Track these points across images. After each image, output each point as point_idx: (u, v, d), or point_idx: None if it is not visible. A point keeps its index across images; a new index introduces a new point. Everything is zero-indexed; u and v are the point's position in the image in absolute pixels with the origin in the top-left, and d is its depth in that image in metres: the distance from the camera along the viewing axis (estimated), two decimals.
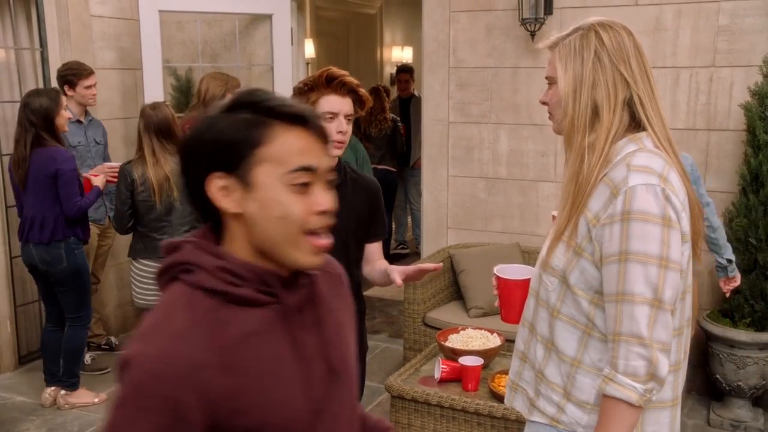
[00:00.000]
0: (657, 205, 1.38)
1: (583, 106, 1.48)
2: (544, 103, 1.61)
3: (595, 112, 1.48)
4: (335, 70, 2.11)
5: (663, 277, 1.38)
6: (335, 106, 2.09)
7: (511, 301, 1.77)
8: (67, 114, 3.65)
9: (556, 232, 1.53)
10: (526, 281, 1.70)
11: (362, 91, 2.16)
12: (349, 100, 2.12)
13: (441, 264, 2.08)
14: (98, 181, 3.74)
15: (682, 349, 1.54)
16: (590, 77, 1.48)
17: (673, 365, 1.50)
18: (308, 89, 2.11)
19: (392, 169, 6.05)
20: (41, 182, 3.53)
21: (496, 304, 1.81)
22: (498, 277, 1.79)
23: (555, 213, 3.53)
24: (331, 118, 2.09)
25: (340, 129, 2.10)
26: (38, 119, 3.49)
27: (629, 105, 1.48)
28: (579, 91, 1.48)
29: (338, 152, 2.14)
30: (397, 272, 2.08)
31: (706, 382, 3.82)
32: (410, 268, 2.06)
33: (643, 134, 1.49)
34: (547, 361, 1.55)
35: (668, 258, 1.38)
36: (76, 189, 3.58)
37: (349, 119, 2.12)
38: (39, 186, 3.54)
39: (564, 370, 1.52)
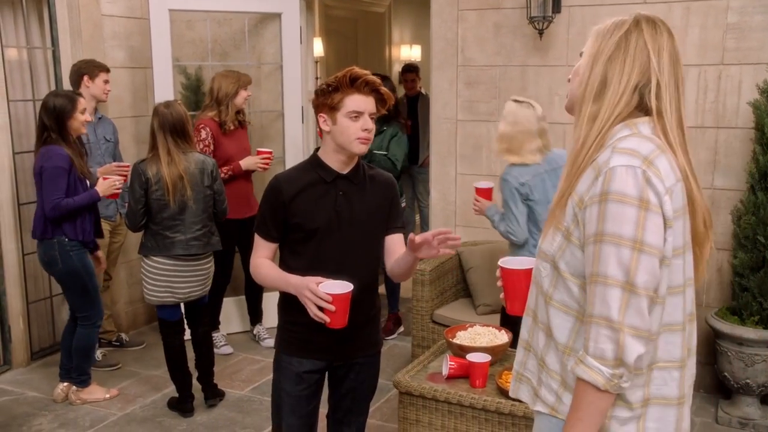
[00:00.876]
0: (635, 186, 1.36)
1: (595, 75, 1.48)
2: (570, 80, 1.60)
3: (604, 84, 1.47)
4: (358, 70, 2.18)
5: (636, 260, 1.35)
6: (360, 105, 2.16)
7: (515, 291, 1.75)
8: (84, 117, 3.64)
9: (549, 214, 1.52)
10: (530, 270, 1.68)
11: (384, 89, 2.22)
12: (372, 98, 2.19)
13: (459, 237, 2.06)
14: (101, 186, 3.63)
15: (685, 345, 1.51)
16: (610, 50, 1.47)
17: (677, 361, 1.48)
18: (332, 90, 2.17)
19: None
20: (35, 179, 3.58)
21: (501, 296, 1.79)
22: (502, 268, 1.78)
23: (476, 184, 3.63)
24: (356, 117, 2.16)
25: (365, 127, 2.18)
26: (51, 120, 3.52)
27: (641, 92, 1.46)
28: (596, 61, 1.49)
29: (364, 149, 2.20)
30: (417, 236, 2.07)
31: (714, 379, 3.82)
32: (430, 232, 2.06)
33: (640, 120, 1.47)
34: (548, 348, 1.54)
35: (642, 241, 1.36)
36: (58, 188, 3.49)
37: (372, 117, 2.19)
38: (35, 183, 3.59)
39: (559, 358, 1.51)
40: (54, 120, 3.52)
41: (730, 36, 3.67)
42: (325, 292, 2.08)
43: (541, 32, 4.02)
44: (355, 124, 2.16)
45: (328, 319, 2.08)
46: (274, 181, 2.28)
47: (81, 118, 3.62)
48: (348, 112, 2.16)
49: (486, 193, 3.39)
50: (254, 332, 4.73)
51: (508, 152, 3.22)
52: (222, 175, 4.25)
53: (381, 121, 4.55)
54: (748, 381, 3.50)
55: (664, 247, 1.40)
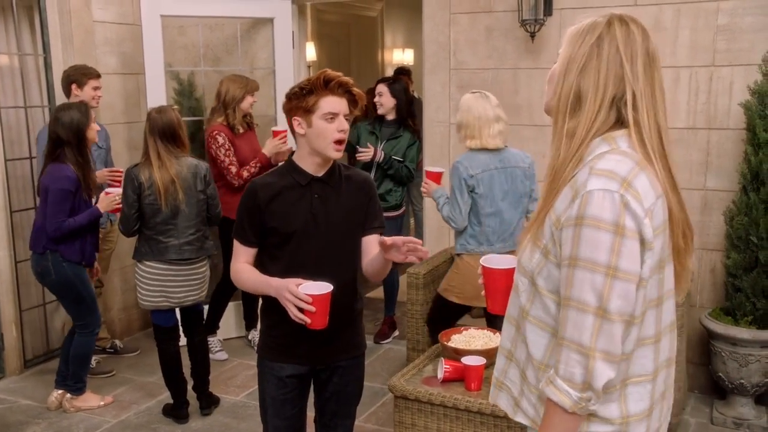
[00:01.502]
0: (612, 212, 1.33)
1: (567, 88, 1.44)
2: None
3: (578, 99, 1.43)
4: (331, 72, 2.20)
5: (609, 286, 1.34)
6: (335, 106, 2.18)
7: (495, 290, 1.74)
8: (96, 126, 3.66)
9: (526, 227, 1.50)
10: (511, 270, 1.67)
11: (356, 90, 2.24)
12: (345, 100, 2.21)
13: (428, 251, 2.09)
14: (102, 203, 3.63)
15: (660, 356, 1.49)
16: (582, 61, 1.42)
17: (650, 374, 1.47)
18: (306, 92, 2.18)
19: None
20: (41, 192, 3.56)
21: (482, 293, 1.77)
22: (483, 267, 1.76)
23: (427, 168, 3.82)
24: (331, 118, 2.18)
25: (341, 128, 2.20)
26: (68, 134, 3.50)
27: (618, 106, 1.42)
28: (569, 69, 1.44)
29: (338, 155, 2.22)
30: (389, 238, 2.09)
31: (708, 380, 3.83)
32: (401, 237, 2.08)
33: (618, 133, 1.43)
34: (527, 362, 1.52)
35: (617, 267, 1.34)
36: (63, 210, 3.49)
37: (347, 118, 2.21)
38: (41, 196, 3.57)
39: (535, 373, 1.50)
40: (74, 134, 3.51)
41: (720, 37, 3.69)
42: (305, 293, 2.08)
43: (532, 35, 4.03)
44: (331, 125, 2.17)
45: (308, 320, 2.08)
46: (250, 186, 2.29)
47: (95, 128, 3.65)
48: (323, 114, 2.17)
49: (436, 177, 3.57)
50: (249, 338, 4.72)
51: (468, 138, 3.38)
52: (252, 169, 4.25)
53: (397, 125, 4.57)
54: (742, 381, 3.51)
55: (641, 271, 1.38)
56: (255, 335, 4.68)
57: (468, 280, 3.35)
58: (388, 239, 2.06)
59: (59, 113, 3.54)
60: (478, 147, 3.35)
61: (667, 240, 1.45)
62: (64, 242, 3.56)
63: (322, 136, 2.18)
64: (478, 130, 3.33)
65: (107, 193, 3.66)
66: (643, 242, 1.37)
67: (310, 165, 2.26)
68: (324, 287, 2.11)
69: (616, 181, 1.36)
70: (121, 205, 3.66)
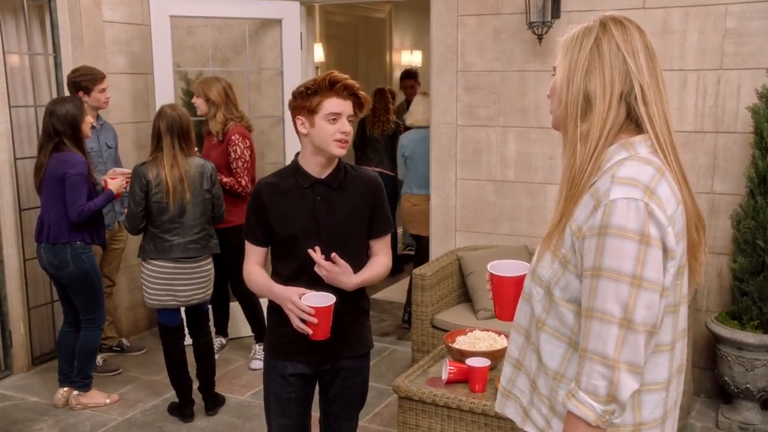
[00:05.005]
0: (636, 220, 1.32)
1: (575, 93, 1.43)
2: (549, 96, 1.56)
3: (587, 101, 1.42)
4: (337, 74, 2.23)
5: (635, 296, 1.32)
6: (338, 107, 2.20)
7: (504, 298, 1.73)
8: (89, 120, 3.72)
9: (545, 237, 1.48)
10: (519, 278, 1.66)
11: (362, 93, 2.27)
12: (350, 102, 2.24)
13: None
14: (113, 185, 3.74)
15: (675, 363, 1.47)
16: (584, 64, 1.42)
17: (664, 382, 1.45)
18: (311, 93, 2.20)
19: (389, 173, 6.03)
20: (51, 184, 3.59)
21: (489, 298, 1.77)
22: (491, 274, 1.76)
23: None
24: (334, 119, 2.20)
25: (343, 129, 2.22)
26: (65, 127, 3.55)
27: (627, 101, 1.42)
28: (572, 76, 1.43)
29: (341, 152, 2.23)
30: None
31: (714, 384, 3.82)
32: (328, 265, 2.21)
33: (637, 139, 1.42)
34: (539, 372, 1.51)
35: (642, 277, 1.32)
36: (82, 194, 3.57)
37: (350, 120, 2.23)
38: (49, 187, 3.60)
39: (548, 383, 1.48)
40: (69, 126, 3.57)
41: (728, 41, 3.68)
42: (308, 305, 2.10)
43: (540, 37, 4.03)
44: (333, 126, 2.20)
45: (310, 331, 2.13)
46: (255, 186, 2.33)
47: (89, 121, 3.71)
48: (326, 114, 2.19)
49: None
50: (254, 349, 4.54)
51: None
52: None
53: None
54: (748, 386, 3.49)
55: (664, 280, 1.36)
56: (256, 349, 4.47)
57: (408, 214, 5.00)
58: (322, 262, 2.20)
59: (54, 106, 3.59)
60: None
61: (685, 246, 1.44)
62: (87, 227, 3.64)
63: (324, 135, 2.21)
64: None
65: (113, 178, 3.76)
66: (665, 251, 1.35)
67: (313, 166, 2.27)
68: (327, 298, 2.12)
69: (640, 189, 1.34)
70: (125, 188, 3.75)
